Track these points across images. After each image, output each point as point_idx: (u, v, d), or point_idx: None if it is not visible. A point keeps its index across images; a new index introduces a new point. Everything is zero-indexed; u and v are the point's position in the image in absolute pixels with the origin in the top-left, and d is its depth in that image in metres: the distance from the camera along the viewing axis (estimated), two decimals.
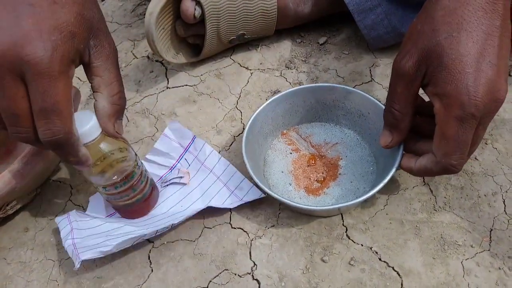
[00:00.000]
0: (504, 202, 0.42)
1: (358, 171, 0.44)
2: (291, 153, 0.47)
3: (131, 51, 0.65)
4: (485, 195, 0.42)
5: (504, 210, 0.41)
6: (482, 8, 0.30)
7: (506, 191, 0.42)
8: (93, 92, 0.34)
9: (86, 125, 0.34)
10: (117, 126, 0.35)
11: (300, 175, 0.45)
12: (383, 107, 0.38)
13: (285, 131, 0.49)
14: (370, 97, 0.43)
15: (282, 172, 0.46)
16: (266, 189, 0.38)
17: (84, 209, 0.46)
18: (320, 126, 0.49)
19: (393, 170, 0.37)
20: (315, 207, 0.40)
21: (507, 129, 0.47)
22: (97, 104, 0.34)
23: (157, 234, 0.41)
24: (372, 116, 0.44)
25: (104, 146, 0.36)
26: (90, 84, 0.34)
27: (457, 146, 0.31)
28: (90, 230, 0.42)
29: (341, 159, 0.46)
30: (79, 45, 0.30)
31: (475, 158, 0.45)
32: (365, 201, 0.41)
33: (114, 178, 0.38)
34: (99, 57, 0.32)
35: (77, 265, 0.37)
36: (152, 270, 0.41)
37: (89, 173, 0.37)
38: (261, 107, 0.44)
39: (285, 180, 0.45)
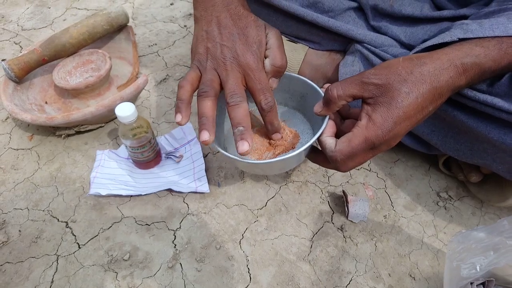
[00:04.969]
0: (350, 281, 0.57)
1: (300, 140, 0.53)
2: None
3: None
4: (342, 270, 0.58)
5: (346, 286, 0.56)
6: (438, 94, 0.40)
7: (357, 276, 0.57)
8: (266, 56, 0.48)
9: (131, 111, 0.58)
10: (271, 81, 0.48)
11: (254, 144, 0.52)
12: (318, 89, 0.49)
13: None
14: (308, 81, 0.51)
15: None
16: (223, 151, 0.47)
17: (119, 146, 0.74)
18: None
19: (318, 134, 0.45)
20: (258, 161, 0.47)
21: (396, 238, 0.61)
22: (264, 65, 0.47)
23: (142, 195, 0.66)
24: (310, 96, 0.52)
25: (136, 125, 0.61)
26: None
27: (351, 151, 0.41)
28: (107, 169, 0.69)
29: None
30: (264, 45, 0.47)
31: (356, 245, 0.60)
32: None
33: (135, 143, 0.63)
34: (268, 39, 0.48)
35: (88, 194, 0.65)
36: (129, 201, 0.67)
37: (122, 136, 0.62)
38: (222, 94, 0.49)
39: None
